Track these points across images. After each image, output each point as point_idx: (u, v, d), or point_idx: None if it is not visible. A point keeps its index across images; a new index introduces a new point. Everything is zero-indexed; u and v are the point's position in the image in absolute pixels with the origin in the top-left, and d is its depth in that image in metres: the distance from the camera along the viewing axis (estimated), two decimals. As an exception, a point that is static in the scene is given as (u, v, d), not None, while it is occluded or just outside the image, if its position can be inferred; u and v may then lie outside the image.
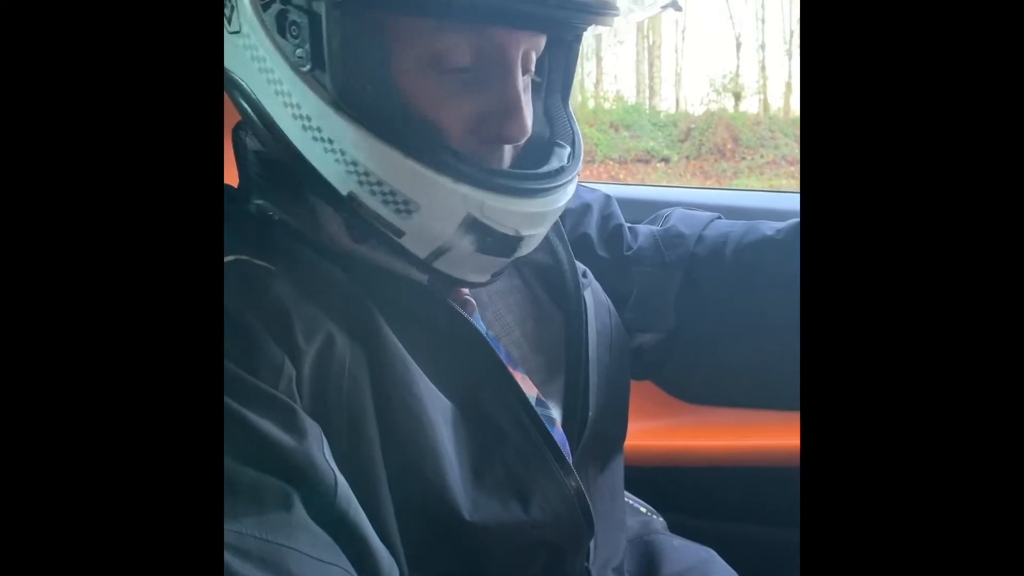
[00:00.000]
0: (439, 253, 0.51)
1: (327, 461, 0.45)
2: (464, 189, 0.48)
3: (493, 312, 0.62)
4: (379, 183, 0.48)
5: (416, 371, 0.51)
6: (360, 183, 0.48)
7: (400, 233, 0.50)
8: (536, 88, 0.57)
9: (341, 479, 0.45)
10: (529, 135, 0.51)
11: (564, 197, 0.53)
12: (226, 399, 0.43)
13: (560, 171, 0.53)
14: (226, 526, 0.39)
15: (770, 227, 0.71)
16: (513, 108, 0.49)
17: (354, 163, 0.48)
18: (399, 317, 0.52)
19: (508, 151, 0.52)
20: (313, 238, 0.52)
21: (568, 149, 0.56)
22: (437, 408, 0.51)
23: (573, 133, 0.57)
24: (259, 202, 0.52)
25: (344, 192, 0.49)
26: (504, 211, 0.49)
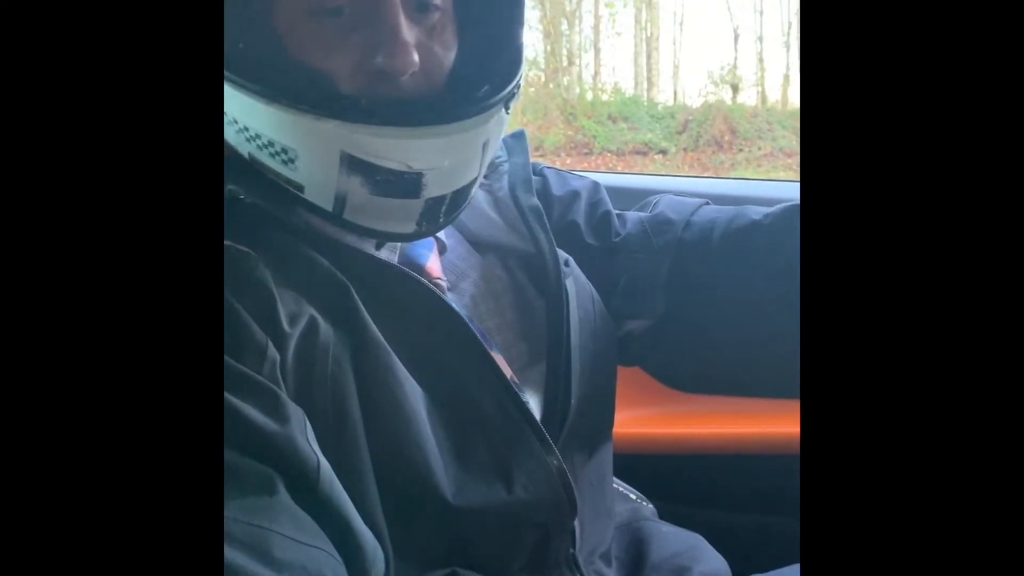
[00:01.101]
0: (341, 202, 0.50)
1: (310, 445, 0.45)
2: (328, 125, 0.47)
3: (477, 295, 0.62)
4: (258, 136, 0.49)
5: (395, 354, 0.51)
6: (248, 140, 0.50)
7: (300, 187, 0.50)
8: (469, 20, 0.55)
9: (324, 463, 0.45)
10: (416, 66, 0.49)
11: (466, 129, 0.50)
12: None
13: (456, 102, 0.51)
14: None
15: (757, 212, 0.71)
16: (391, 39, 0.48)
17: (235, 120, 0.49)
18: (374, 297, 0.51)
19: (412, 88, 0.50)
20: (287, 221, 0.52)
21: (487, 86, 0.53)
22: (417, 390, 0.51)
23: (511, 67, 0.54)
24: (230, 187, 0.52)
25: (245, 155, 0.50)
26: (379, 143, 0.48)
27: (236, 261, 0.48)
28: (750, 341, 0.81)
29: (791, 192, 1.11)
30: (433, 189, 0.51)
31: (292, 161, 0.49)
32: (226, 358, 0.44)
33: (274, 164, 0.50)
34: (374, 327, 0.50)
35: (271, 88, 0.47)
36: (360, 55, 0.49)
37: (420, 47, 0.50)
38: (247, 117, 0.49)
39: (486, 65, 0.54)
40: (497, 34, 0.55)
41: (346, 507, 0.45)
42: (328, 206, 0.51)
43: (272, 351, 0.46)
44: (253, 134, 0.49)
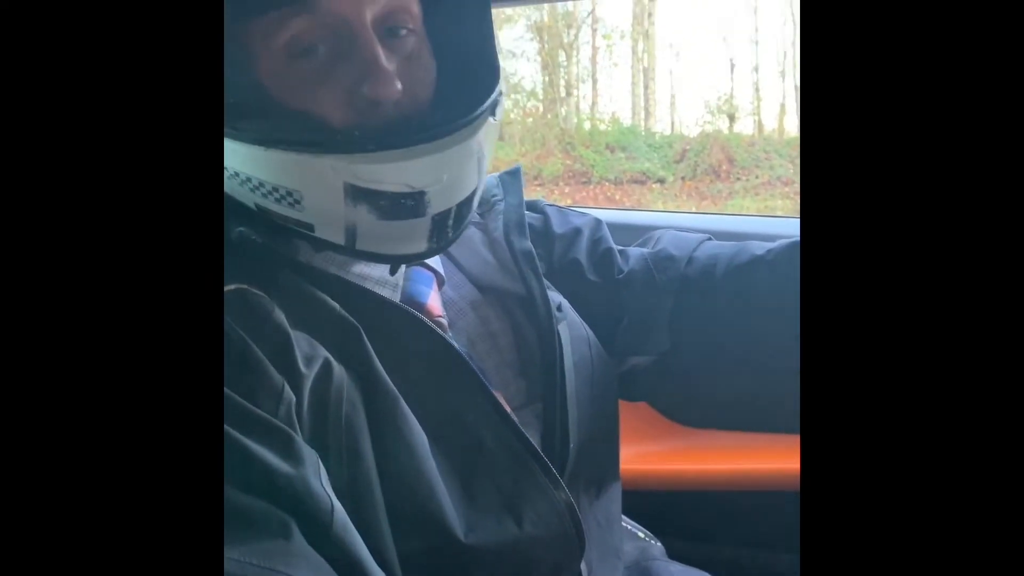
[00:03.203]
0: (352, 234, 0.51)
1: (324, 488, 0.45)
2: (327, 161, 0.48)
3: (476, 336, 0.62)
4: (261, 184, 0.50)
5: (400, 393, 0.51)
6: (252, 191, 0.50)
7: (310, 227, 0.51)
8: (444, 40, 0.56)
9: (338, 506, 0.45)
10: (399, 92, 0.50)
11: (457, 142, 0.50)
12: (225, 426, 0.43)
13: (443, 116, 0.51)
14: (225, 553, 0.40)
15: (760, 247, 0.71)
16: (371, 69, 0.50)
17: (236, 174, 0.50)
18: (378, 337, 0.52)
19: (399, 112, 0.51)
20: (294, 261, 0.53)
21: (471, 98, 0.53)
22: (425, 430, 0.51)
23: (488, 75, 0.54)
24: (240, 229, 0.53)
25: (252, 205, 0.51)
26: (377, 169, 0.48)
27: (252, 304, 0.49)
28: (755, 376, 0.82)
29: (793, 228, 1.12)
30: (437, 205, 0.51)
31: (298, 202, 0.50)
32: (242, 401, 0.45)
33: (281, 208, 0.51)
34: (381, 368, 0.51)
35: (265, 135, 0.48)
36: (344, 89, 0.50)
37: (400, 73, 0.51)
38: (247, 167, 0.50)
39: (467, 79, 0.55)
40: (472, 49, 0.56)
41: (359, 550, 0.45)
42: (340, 240, 0.51)
43: (288, 393, 0.46)
44: (256, 183, 0.50)
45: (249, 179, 0.50)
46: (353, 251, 0.52)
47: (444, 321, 0.59)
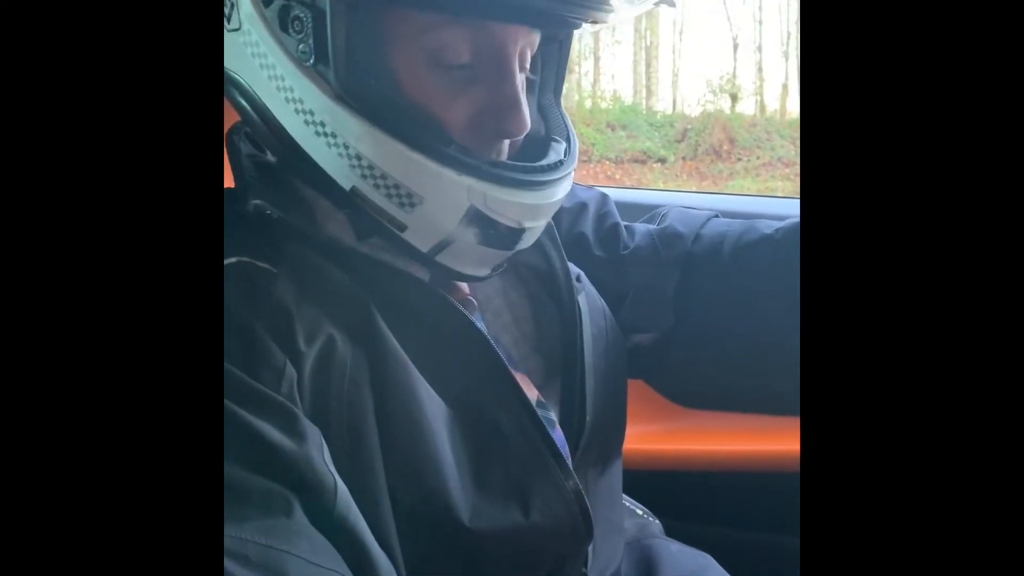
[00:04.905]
0: (442, 247, 0.51)
1: (327, 466, 0.45)
2: (468, 181, 0.49)
3: (493, 310, 0.61)
4: (383, 176, 0.49)
5: (416, 374, 0.51)
6: (363, 177, 0.49)
7: (402, 227, 0.50)
8: (530, 85, 0.58)
9: (341, 484, 0.45)
10: (528, 130, 0.52)
11: (563, 190, 0.54)
12: (227, 402, 0.43)
13: (559, 164, 0.54)
14: (226, 531, 0.39)
15: (768, 226, 0.70)
16: (512, 103, 0.50)
17: (358, 157, 0.48)
18: (400, 316, 0.51)
19: (506, 146, 0.53)
20: (312, 237, 0.52)
21: (564, 144, 0.57)
22: (437, 411, 0.51)
23: (567, 129, 0.59)
24: (256, 202, 0.52)
25: (347, 187, 0.50)
26: (507, 203, 0.50)
27: (256, 278, 0.48)
28: (758, 356, 0.81)
29: (793, 209, 1.11)
30: (524, 243, 0.54)
31: (413, 206, 0.49)
32: (244, 376, 0.44)
33: (388, 204, 0.49)
34: (394, 344, 0.50)
35: (413, 137, 0.48)
36: (476, 110, 0.50)
37: None
38: (377, 156, 0.48)
39: (546, 123, 0.58)
40: (545, 93, 0.59)
41: (362, 529, 0.45)
42: (424, 248, 0.51)
43: (290, 369, 0.46)
44: (379, 173, 0.49)
45: (371, 167, 0.48)
46: (431, 261, 0.52)
47: (474, 301, 0.59)
